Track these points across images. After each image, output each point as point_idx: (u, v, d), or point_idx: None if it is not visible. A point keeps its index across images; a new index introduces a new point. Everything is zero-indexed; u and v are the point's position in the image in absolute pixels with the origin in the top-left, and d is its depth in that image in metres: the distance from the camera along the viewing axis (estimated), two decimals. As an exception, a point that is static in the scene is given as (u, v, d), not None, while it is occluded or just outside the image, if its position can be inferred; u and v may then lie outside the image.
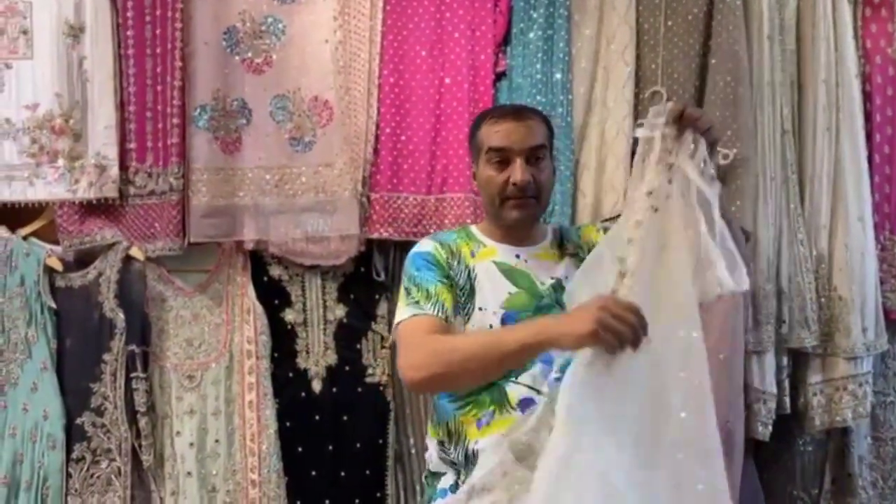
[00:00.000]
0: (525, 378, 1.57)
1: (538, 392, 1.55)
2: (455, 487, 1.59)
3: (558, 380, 1.49)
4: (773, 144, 2.40)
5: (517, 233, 1.70)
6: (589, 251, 1.66)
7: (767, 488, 2.35)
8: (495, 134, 1.64)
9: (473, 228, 1.77)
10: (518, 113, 1.67)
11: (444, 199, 2.47)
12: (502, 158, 1.63)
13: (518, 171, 1.61)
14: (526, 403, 1.56)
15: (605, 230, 1.74)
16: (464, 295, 1.64)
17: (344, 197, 2.38)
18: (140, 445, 2.33)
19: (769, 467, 2.37)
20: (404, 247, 2.43)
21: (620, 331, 1.26)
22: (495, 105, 1.77)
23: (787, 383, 2.35)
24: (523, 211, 1.65)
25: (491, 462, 1.51)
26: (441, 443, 1.64)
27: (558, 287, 1.66)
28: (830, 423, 2.33)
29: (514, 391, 1.57)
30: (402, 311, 1.60)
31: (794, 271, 2.35)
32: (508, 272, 1.67)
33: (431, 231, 2.45)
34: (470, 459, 1.57)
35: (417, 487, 2.40)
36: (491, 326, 1.60)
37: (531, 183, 1.62)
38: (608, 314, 1.27)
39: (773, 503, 2.36)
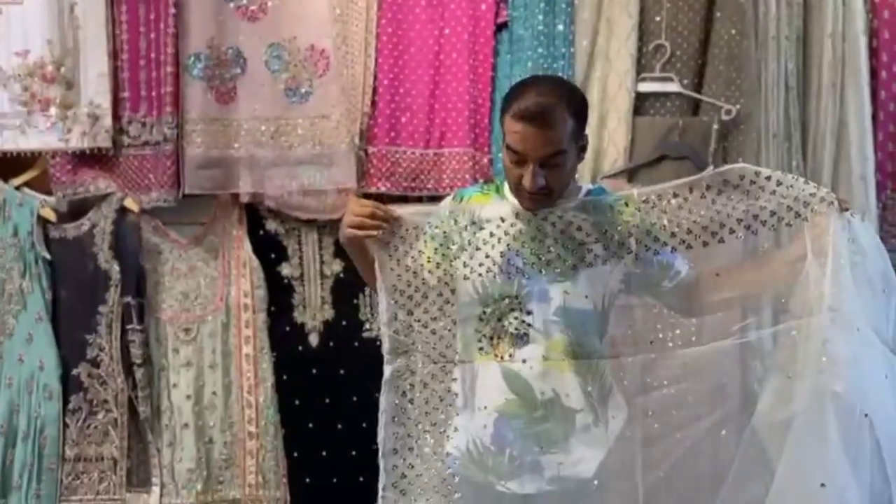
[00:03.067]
0: (523, 314, 1.63)
1: (534, 328, 1.61)
2: (460, 410, 1.67)
3: (554, 322, 1.60)
4: (776, 100, 2.36)
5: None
6: (619, 226, 1.65)
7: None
8: (513, 134, 1.57)
9: (506, 184, 1.73)
10: (541, 117, 1.54)
11: (443, 153, 2.43)
12: (519, 158, 1.59)
13: (529, 177, 1.57)
14: (521, 340, 1.62)
15: (647, 213, 1.66)
16: (466, 232, 1.67)
17: (340, 150, 2.34)
18: (136, 397, 2.33)
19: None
20: (401, 201, 2.44)
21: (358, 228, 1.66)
22: (527, 83, 1.61)
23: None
24: (536, 204, 1.64)
25: (485, 384, 1.62)
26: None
27: (568, 234, 1.64)
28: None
29: (512, 325, 1.63)
30: None
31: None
32: (521, 215, 1.67)
33: (429, 186, 2.43)
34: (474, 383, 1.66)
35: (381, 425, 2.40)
36: (494, 263, 1.64)
37: (543, 188, 1.60)
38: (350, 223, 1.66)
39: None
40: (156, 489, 2.33)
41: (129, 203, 2.36)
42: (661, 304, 1.77)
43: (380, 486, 1.72)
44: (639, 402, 1.74)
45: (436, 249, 1.68)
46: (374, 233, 1.65)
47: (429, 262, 1.68)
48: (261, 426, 2.37)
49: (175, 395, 2.38)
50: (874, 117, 2.39)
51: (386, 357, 1.73)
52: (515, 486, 1.65)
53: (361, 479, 2.34)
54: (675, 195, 1.63)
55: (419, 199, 2.46)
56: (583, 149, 1.65)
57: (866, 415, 1.46)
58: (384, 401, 1.74)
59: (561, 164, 1.59)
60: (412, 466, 1.70)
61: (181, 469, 2.35)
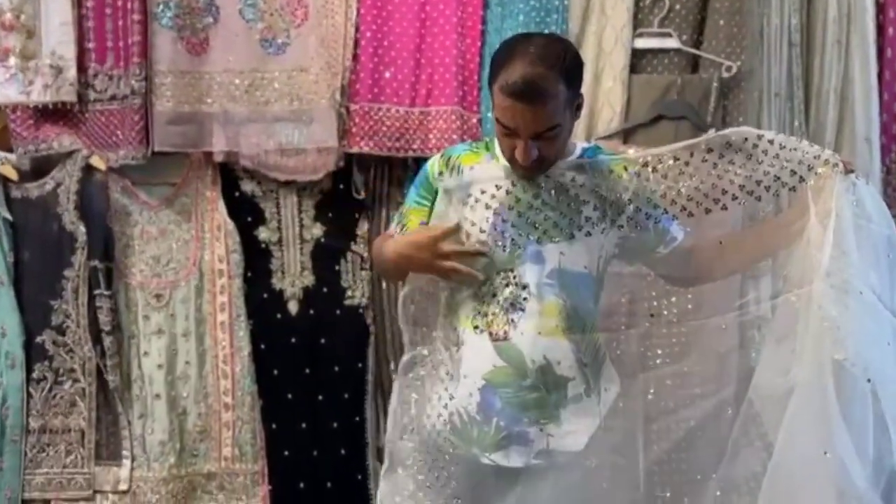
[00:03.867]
0: (515, 275, 1.57)
1: (527, 290, 1.55)
2: (446, 375, 1.62)
3: (549, 277, 1.55)
4: (778, 57, 2.27)
5: None
6: (614, 190, 1.58)
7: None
8: (503, 109, 1.48)
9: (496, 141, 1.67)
10: (531, 93, 1.44)
11: (430, 112, 2.32)
12: (510, 132, 1.51)
13: (521, 152, 1.50)
14: (512, 299, 1.56)
15: (644, 178, 1.61)
16: (456, 194, 1.62)
17: (320, 106, 2.22)
18: (105, 366, 2.22)
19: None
20: (386, 163, 2.36)
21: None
22: (515, 49, 1.47)
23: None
24: (529, 173, 1.57)
25: (473, 350, 1.57)
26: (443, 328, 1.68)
27: (561, 190, 1.58)
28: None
29: (503, 287, 1.56)
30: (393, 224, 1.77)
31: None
32: (512, 174, 1.60)
33: (415, 146, 2.33)
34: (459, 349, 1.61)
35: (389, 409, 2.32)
36: (487, 220, 1.58)
37: (536, 161, 1.52)
38: (446, 269, 1.56)
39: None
40: (126, 462, 2.23)
41: (96, 161, 2.23)
42: (656, 273, 1.71)
43: (383, 469, 1.71)
44: (639, 380, 1.69)
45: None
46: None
47: None
48: (237, 397, 2.27)
49: (146, 364, 2.28)
50: (880, 76, 2.30)
51: (406, 346, 1.72)
52: (501, 459, 1.57)
53: (343, 451, 2.27)
54: (676, 159, 1.57)
55: (404, 161, 2.35)
56: (578, 108, 1.57)
57: (869, 380, 1.41)
58: (398, 385, 1.71)
59: (555, 136, 1.51)
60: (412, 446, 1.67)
61: (153, 441, 2.24)
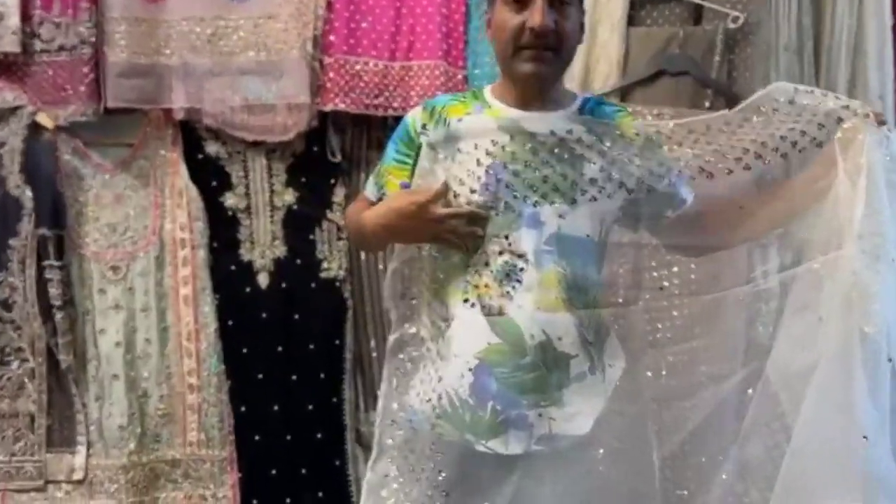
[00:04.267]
0: (510, 242, 1.41)
1: (523, 258, 1.40)
2: (431, 355, 1.48)
3: (547, 243, 1.40)
4: (787, 7, 2.12)
5: (532, 92, 1.46)
6: (618, 148, 1.44)
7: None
8: None
9: (487, 89, 1.53)
10: None
11: (411, 67, 2.16)
12: (520, 3, 1.38)
13: (537, 14, 1.37)
14: (507, 269, 1.41)
15: (648, 139, 1.47)
16: (441, 148, 1.47)
17: (290, 57, 2.06)
18: (57, 345, 2.06)
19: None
20: (364, 123, 2.20)
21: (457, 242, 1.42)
22: None
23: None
24: (539, 64, 1.40)
25: (463, 326, 1.42)
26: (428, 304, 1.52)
27: (562, 145, 1.42)
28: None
29: (497, 255, 1.41)
30: (368, 184, 1.61)
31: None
32: (506, 126, 1.45)
33: (395, 105, 2.17)
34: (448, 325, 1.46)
35: (378, 393, 2.15)
36: (479, 179, 1.42)
37: (552, 31, 1.38)
38: (444, 233, 1.40)
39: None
40: (81, 449, 2.06)
41: (43, 118, 2.05)
42: (661, 241, 1.56)
43: (371, 459, 1.56)
44: (648, 357, 1.56)
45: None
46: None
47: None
48: (202, 378, 2.11)
49: (102, 342, 2.10)
50: (895, 29, 2.15)
51: (393, 325, 1.57)
52: (498, 446, 1.41)
53: (319, 435, 2.11)
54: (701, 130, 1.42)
55: (384, 121, 2.17)
56: (581, 28, 1.46)
57: (890, 360, 1.27)
58: (387, 369, 1.56)
59: (567, 14, 1.40)
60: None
61: (111, 426, 2.07)
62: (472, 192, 1.40)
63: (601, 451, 1.96)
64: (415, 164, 1.49)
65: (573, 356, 1.42)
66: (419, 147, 1.48)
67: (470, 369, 1.40)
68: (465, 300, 1.42)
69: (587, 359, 1.43)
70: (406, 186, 1.48)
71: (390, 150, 1.53)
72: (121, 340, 2.10)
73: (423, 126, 1.48)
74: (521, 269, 1.39)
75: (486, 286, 1.40)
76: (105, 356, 2.10)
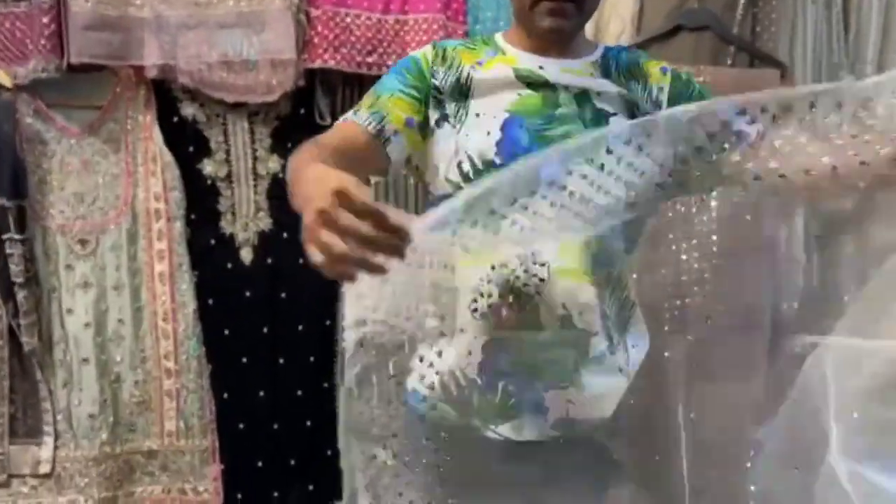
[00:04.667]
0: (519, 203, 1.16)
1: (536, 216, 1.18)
2: (434, 329, 1.25)
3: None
4: (815, -43, 1.99)
5: (551, 43, 1.30)
6: (647, 93, 1.29)
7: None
8: None
9: (499, 35, 1.36)
10: None
11: (407, 21, 2.00)
12: None
13: None
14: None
15: (678, 78, 1.32)
16: (453, 100, 1.28)
17: (274, 8, 1.88)
18: (19, 326, 1.89)
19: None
20: (356, 83, 2.03)
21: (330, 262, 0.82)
22: None
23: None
24: (559, 19, 1.25)
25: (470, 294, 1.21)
26: None
27: (584, 99, 1.27)
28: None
29: (510, 220, 1.17)
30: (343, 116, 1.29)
31: (832, 121, 1.98)
32: (525, 76, 1.28)
33: (389, 63, 2.00)
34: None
35: (374, 376, 1.99)
36: (489, 133, 1.25)
37: None
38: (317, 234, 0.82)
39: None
40: (48, 440, 1.90)
41: (0, 77, 1.87)
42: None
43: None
44: (671, 337, 1.45)
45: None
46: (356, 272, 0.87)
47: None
48: (181, 362, 1.96)
49: (70, 322, 1.94)
50: (931, -24, 2.03)
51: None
52: (509, 432, 1.26)
53: (309, 423, 1.95)
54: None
55: (377, 79, 1.98)
56: None
57: None
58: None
59: None
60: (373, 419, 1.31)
61: (81, 414, 1.92)
62: (486, 152, 1.24)
63: (623, 437, 1.82)
64: (426, 106, 1.26)
65: (593, 334, 1.27)
66: (429, 87, 1.26)
67: (481, 346, 1.24)
68: (473, 265, 1.25)
69: (607, 337, 1.28)
70: (412, 125, 1.24)
71: (391, 81, 1.26)
72: (90, 321, 1.94)
73: (433, 66, 1.27)
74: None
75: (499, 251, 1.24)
76: (73, 338, 1.93)
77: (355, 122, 1.21)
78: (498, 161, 1.23)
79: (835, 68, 2.01)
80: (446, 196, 1.28)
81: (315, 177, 0.94)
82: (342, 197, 0.82)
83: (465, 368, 1.26)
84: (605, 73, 1.30)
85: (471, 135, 1.25)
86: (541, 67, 1.28)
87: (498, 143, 1.23)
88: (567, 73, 1.28)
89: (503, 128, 1.23)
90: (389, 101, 1.24)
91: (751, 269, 1.87)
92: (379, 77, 1.88)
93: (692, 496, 1.65)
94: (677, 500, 1.42)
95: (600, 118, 1.25)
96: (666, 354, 1.91)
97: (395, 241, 0.84)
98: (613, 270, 1.28)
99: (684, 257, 1.97)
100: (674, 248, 1.95)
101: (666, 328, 1.97)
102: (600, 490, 1.40)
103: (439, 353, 1.26)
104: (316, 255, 0.81)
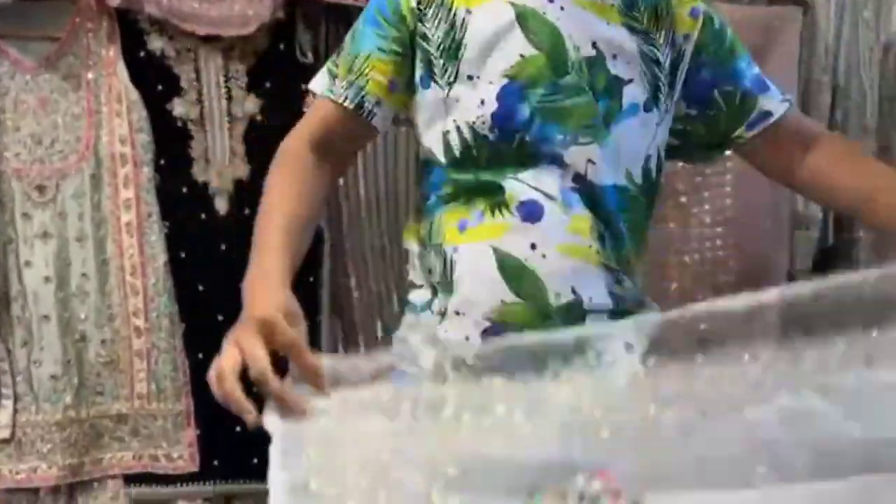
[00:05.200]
0: (529, 176, 1.10)
1: (547, 196, 1.09)
2: (427, 307, 1.16)
3: (575, 190, 1.10)
4: None
5: None
6: (670, 44, 1.14)
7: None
8: None
9: None
10: None
11: None
12: None
13: None
14: (529, 209, 1.10)
15: (709, 24, 1.17)
16: (441, 54, 1.11)
17: None
18: None
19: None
20: (340, 15, 1.86)
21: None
22: None
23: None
24: None
25: (469, 276, 1.10)
26: (422, 245, 1.19)
27: (596, 63, 1.11)
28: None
29: (515, 190, 1.10)
30: (318, 77, 1.18)
31: (854, 61, 1.92)
32: (528, 19, 1.10)
33: None
34: (447, 272, 1.13)
35: (360, 336, 1.88)
36: (483, 103, 1.09)
37: None
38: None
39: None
40: (7, 403, 1.76)
41: None
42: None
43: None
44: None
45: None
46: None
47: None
48: (151, 319, 1.81)
49: (29, 276, 1.78)
50: None
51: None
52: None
53: (289, 386, 1.82)
54: None
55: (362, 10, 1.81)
56: None
57: None
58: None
59: None
60: None
61: (42, 376, 1.77)
62: (478, 125, 1.08)
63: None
64: (412, 58, 1.11)
65: (601, 317, 1.15)
66: (412, 35, 1.11)
67: (480, 333, 1.11)
68: (471, 241, 1.12)
69: (615, 316, 1.16)
70: (395, 89, 1.11)
71: (369, 34, 1.13)
72: (51, 275, 1.79)
73: (419, 8, 1.10)
74: (548, 210, 1.09)
75: (502, 223, 1.10)
76: (32, 293, 1.78)
77: (332, 100, 1.12)
78: (491, 137, 1.08)
79: (859, 7, 1.87)
80: (432, 164, 1.15)
81: (261, 271, 1.03)
82: (267, 328, 0.91)
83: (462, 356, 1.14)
84: (629, 6, 1.13)
85: (462, 101, 1.09)
86: (550, 1, 1.10)
87: (493, 116, 1.08)
88: (582, 13, 1.11)
89: (500, 97, 1.07)
90: (367, 65, 1.11)
91: (761, 225, 1.77)
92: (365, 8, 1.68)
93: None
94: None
95: (613, 88, 1.09)
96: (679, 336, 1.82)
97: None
98: (623, 252, 1.15)
99: (695, 210, 1.87)
100: (683, 200, 1.84)
101: (673, 286, 1.88)
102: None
103: (432, 340, 1.14)
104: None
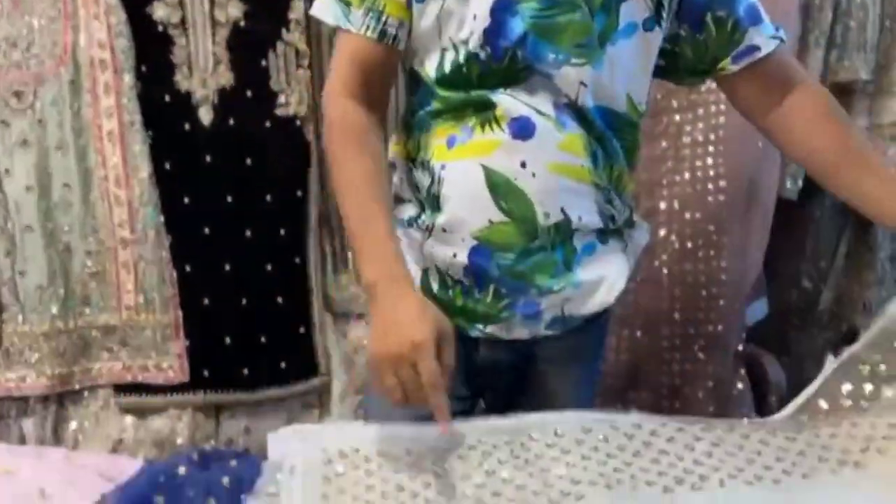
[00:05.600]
0: (522, 92, 1.07)
1: (540, 113, 1.07)
2: (414, 222, 1.15)
3: (567, 108, 1.07)
4: None
5: None
6: None
7: (772, 261, 1.94)
8: None
9: None
10: None
11: None
12: None
13: None
14: (520, 125, 1.07)
15: None
16: None
17: None
18: None
19: (777, 236, 1.94)
20: None
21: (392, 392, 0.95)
22: None
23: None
24: None
25: (457, 194, 1.09)
26: (409, 160, 1.16)
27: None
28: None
29: (507, 106, 1.07)
30: (326, 5, 1.09)
31: (855, -22, 1.84)
32: None
33: None
34: (435, 189, 1.12)
35: (349, 253, 1.86)
36: (475, 17, 1.04)
37: None
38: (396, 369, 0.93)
39: (776, 279, 1.97)
40: (-7, 313, 1.74)
41: None
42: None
43: None
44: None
45: None
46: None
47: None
48: (137, 231, 1.77)
49: (10, 186, 1.73)
50: None
51: None
52: (499, 332, 1.17)
53: (280, 300, 1.82)
54: None
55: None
56: None
57: None
58: None
59: None
60: None
61: (27, 287, 1.75)
62: (470, 41, 1.04)
63: (625, 331, 1.76)
64: None
65: (586, 233, 1.14)
66: None
67: (467, 251, 1.10)
68: (460, 158, 1.09)
69: (597, 232, 1.16)
70: (410, 4, 1.05)
71: None
72: (33, 184, 1.73)
73: None
74: (540, 127, 1.06)
75: (491, 139, 1.07)
76: (14, 203, 1.73)
77: (355, 34, 1.06)
78: (482, 56, 1.04)
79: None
80: (421, 80, 1.10)
81: (390, 273, 0.99)
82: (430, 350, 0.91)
83: (448, 269, 1.13)
84: None
85: (455, 15, 1.04)
86: None
87: (485, 32, 1.03)
88: None
89: (493, 11, 1.02)
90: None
91: (755, 146, 1.74)
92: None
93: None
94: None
95: (610, 5, 1.04)
96: (661, 233, 1.82)
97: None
98: (617, 169, 1.14)
99: (688, 128, 1.83)
100: (678, 118, 1.81)
101: (662, 205, 1.87)
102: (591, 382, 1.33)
103: (420, 253, 1.13)
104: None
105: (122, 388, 1.80)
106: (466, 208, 1.08)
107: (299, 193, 1.80)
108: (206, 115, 1.78)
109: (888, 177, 1.10)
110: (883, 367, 0.95)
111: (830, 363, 0.99)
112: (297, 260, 1.82)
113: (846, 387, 0.96)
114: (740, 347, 1.81)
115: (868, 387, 0.95)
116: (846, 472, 0.86)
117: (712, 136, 1.76)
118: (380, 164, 1.08)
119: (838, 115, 1.13)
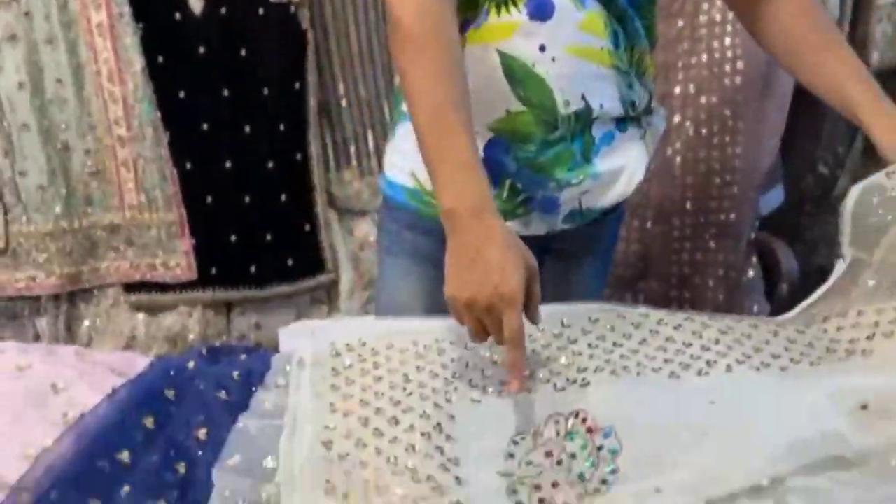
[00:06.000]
0: None
1: None
2: None
3: None
4: None
5: None
6: None
7: (788, 148, 1.88)
8: None
9: None
10: None
11: None
12: None
13: None
14: (538, 3, 1.01)
15: None
16: None
17: None
18: None
19: (793, 122, 1.87)
20: None
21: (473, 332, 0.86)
22: None
23: (849, 9, 1.77)
24: None
25: (471, 83, 0.96)
26: None
27: None
28: (894, 59, 1.81)
29: None
30: None
31: None
32: None
33: None
34: None
35: (351, 148, 1.81)
36: None
37: None
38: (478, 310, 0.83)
39: (792, 165, 1.91)
40: (-3, 214, 1.72)
41: None
42: None
43: None
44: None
45: None
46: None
47: None
48: (134, 128, 1.72)
49: (1, 82, 1.68)
50: None
51: None
52: (516, 227, 1.12)
53: (284, 197, 1.80)
54: None
55: None
56: None
57: None
58: None
59: None
60: None
61: (28, 186, 1.73)
62: None
63: (635, 222, 1.73)
64: None
65: (606, 121, 1.09)
66: None
67: (482, 144, 1.05)
68: (474, 44, 1.03)
69: (616, 120, 1.11)
70: None
71: None
72: (24, 80, 1.68)
73: None
74: (556, 5, 1.00)
75: (509, 21, 1.01)
76: (7, 100, 1.68)
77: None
78: None
79: None
80: None
81: (476, 202, 0.86)
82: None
83: None
84: None
85: None
86: None
87: None
88: None
89: None
90: None
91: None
92: None
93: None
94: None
95: None
96: (676, 119, 1.76)
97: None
98: (634, 55, 1.08)
99: (705, 6, 1.75)
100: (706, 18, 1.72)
101: (677, 90, 1.80)
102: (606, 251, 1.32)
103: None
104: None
105: (131, 287, 1.80)
106: (482, 98, 1.01)
107: (297, 86, 1.74)
108: (196, 4, 1.70)
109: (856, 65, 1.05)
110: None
111: (839, 266, 0.98)
112: (299, 156, 1.78)
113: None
114: (752, 235, 1.78)
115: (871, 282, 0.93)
116: (854, 360, 0.85)
117: (729, 15, 1.67)
118: (461, 66, 0.94)
119: (824, 22, 1.09)
